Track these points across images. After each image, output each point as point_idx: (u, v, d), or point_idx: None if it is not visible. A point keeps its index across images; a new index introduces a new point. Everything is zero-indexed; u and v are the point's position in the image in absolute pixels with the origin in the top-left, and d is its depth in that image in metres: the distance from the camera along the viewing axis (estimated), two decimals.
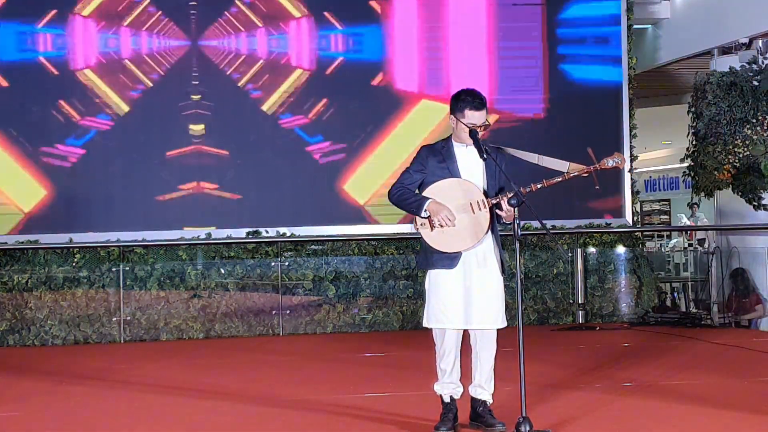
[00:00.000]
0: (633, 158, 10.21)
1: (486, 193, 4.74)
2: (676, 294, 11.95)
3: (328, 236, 9.52)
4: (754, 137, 9.32)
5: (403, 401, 5.61)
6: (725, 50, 10.80)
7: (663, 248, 13.85)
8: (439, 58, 9.96)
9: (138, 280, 9.23)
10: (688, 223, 15.50)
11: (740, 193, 9.76)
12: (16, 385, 6.67)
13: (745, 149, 9.36)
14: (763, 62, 9.64)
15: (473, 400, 4.88)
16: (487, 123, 4.76)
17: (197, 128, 9.55)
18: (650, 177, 20.15)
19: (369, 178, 9.61)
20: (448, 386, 4.85)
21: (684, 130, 10.28)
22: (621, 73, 10.15)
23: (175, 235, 9.35)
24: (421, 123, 9.68)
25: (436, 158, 4.83)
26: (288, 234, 9.47)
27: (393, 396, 5.86)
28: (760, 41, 10.23)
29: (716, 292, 10.54)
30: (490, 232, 4.77)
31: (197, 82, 9.58)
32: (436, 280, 4.80)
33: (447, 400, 4.86)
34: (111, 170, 9.46)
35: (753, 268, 10.39)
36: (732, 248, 10.64)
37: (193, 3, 9.62)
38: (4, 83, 9.34)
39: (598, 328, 9.34)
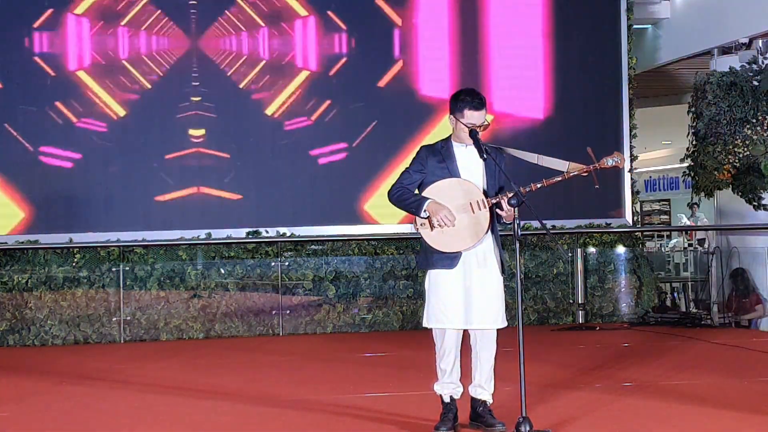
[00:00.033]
0: (633, 158, 10.21)
1: (486, 193, 4.74)
2: (676, 294, 11.95)
3: (328, 236, 9.52)
4: (754, 137, 9.32)
5: (403, 401, 5.61)
6: (725, 50, 10.80)
7: (663, 248, 13.85)
8: (473, 62, 9.93)
9: (138, 280, 9.23)
10: (688, 223, 15.49)
11: (740, 193, 9.76)
12: (16, 385, 6.67)
13: (745, 149, 9.36)
14: (763, 62, 9.64)
15: (473, 400, 4.88)
16: (486, 123, 4.76)
17: (197, 131, 9.53)
18: (650, 177, 20.15)
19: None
20: (448, 386, 4.85)
21: (684, 130, 10.28)
22: (621, 73, 10.16)
23: (175, 235, 9.35)
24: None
25: (435, 158, 4.83)
26: (288, 234, 9.47)
27: (393, 396, 5.86)
28: (760, 41, 10.23)
29: (716, 292, 10.54)
30: (490, 232, 4.78)
31: (197, 83, 9.57)
32: (436, 280, 4.80)
33: (447, 400, 4.86)
34: (110, 174, 9.44)
35: (753, 268, 10.40)
36: (732, 248, 10.64)
37: (193, 2, 9.60)
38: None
39: (598, 328, 9.34)
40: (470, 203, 4.70)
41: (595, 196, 9.39)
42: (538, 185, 4.72)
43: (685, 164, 10.25)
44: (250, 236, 9.42)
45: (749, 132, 9.34)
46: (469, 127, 4.73)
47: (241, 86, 9.61)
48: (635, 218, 10.30)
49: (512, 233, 4.59)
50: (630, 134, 10.10)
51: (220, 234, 9.40)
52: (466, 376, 4.88)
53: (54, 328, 9.01)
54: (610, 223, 10.01)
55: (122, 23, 9.48)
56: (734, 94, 9.50)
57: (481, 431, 4.81)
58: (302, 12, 9.73)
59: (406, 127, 9.67)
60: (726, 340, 8.13)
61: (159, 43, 9.52)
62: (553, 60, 10.09)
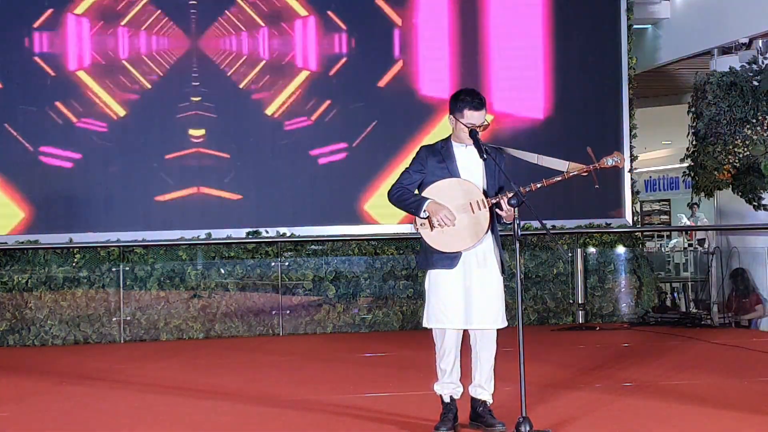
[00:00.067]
0: (633, 158, 10.21)
1: (486, 193, 4.74)
2: (676, 294, 11.95)
3: (328, 236, 9.52)
4: (754, 137, 9.32)
5: (403, 401, 5.61)
6: (725, 50, 10.81)
7: (663, 248, 13.85)
8: (473, 62, 9.91)
9: (138, 280, 9.23)
10: (688, 223, 15.50)
11: (740, 193, 9.76)
12: (16, 385, 6.67)
13: (745, 149, 9.36)
14: (763, 62, 9.64)
15: (473, 400, 4.88)
16: (486, 123, 4.76)
17: (197, 131, 9.52)
18: (650, 177, 20.15)
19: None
20: (448, 386, 4.85)
21: (684, 130, 10.28)
22: (621, 73, 10.16)
23: (175, 235, 9.35)
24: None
25: (435, 158, 4.83)
26: (288, 234, 9.47)
27: (393, 396, 5.86)
28: (760, 41, 10.23)
29: (716, 292, 10.55)
30: (489, 232, 4.78)
31: (197, 83, 9.57)
32: (436, 280, 4.80)
33: (447, 400, 4.86)
34: (110, 174, 9.43)
35: (753, 268, 10.40)
36: (732, 248, 10.64)
37: (192, 2, 9.60)
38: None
39: (598, 328, 9.34)
40: (470, 203, 4.70)
41: (595, 196, 9.39)
42: (538, 185, 4.72)
43: (685, 164, 10.25)
44: (250, 236, 9.41)
45: (749, 132, 9.34)
46: (468, 127, 4.73)
47: (241, 86, 9.61)
48: (635, 218, 10.30)
49: (512, 233, 4.59)
50: (630, 134, 10.10)
51: (220, 234, 9.40)
52: (466, 376, 4.88)
53: (54, 328, 9.01)
54: (610, 223, 10.01)
55: (122, 23, 9.48)
56: (734, 94, 9.50)
57: (481, 431, 4.81)
58: (302, 12, 9.73)
59: (406, 127, 9.67)
60: (726, 340, 8.12)
61: (159, 43, 9.52)
62: (553, 60, 10.08)
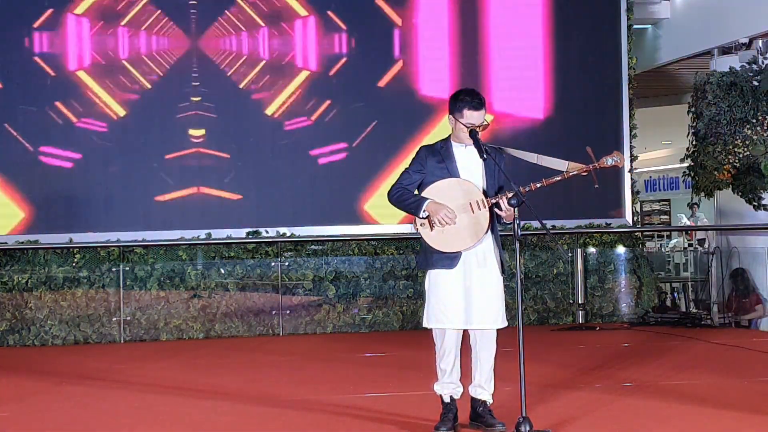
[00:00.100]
0: (633, 158, 10.21)
1: (485, 193, 4.74)
2: (676, 294, 11.95)
3: (328, 236, 9.51)
4: (754, 137, 9.32)
5: (403, 401, 5.61)
6: (725, 50, 10.81)
7: (663, 248, 13.86)
8: (473, 62, 9.90)
9: (138, 280, 9.23)
10: (688, 223, 15.50)
11: (740, 193, 9.77)
12: (16, 385, 6.67)
13: (745, 149, 9.36)
14: (763, 62, 9.64)
15: (473, 400, 4.88)
16: (485, 123, 4.76)
17: (197, 131, 9.52)
18: (650, 177, 20.16)
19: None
20: (448, 386, 4.85)
21: (684, 130, 10.28)
22: (621, 73, 10.16)
23: (175, 235, 9.35)
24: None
25: (435, 158, 4.83)
26: (288, 234, 9.47)
27: (393, 396, 5.86)
28: (760, 41, 10.23)
29: (716, 292, 10.55)
30: (489, 231, 4.78)
31: (197, 83, 9.56)
32: (436, 280, 4.80)
33: (447, 400, 4.86)
34: (110, 174, 9.42)
35: (753, 268, 10.40)
36: (732, 248, 10.64)
37: (192, 2, 9.59)
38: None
39: (598, 328, 9.34)
40: (470, 203, 4.70)
41: (595, 196, 9.39)
42: (538, 185, 4.72)
43: (685, 164, 10.25)
44: (250, 236, 9.41)
45: (749, 132, 9.34)
46: (468, 127, 4.73)
47: (241, 86, 9.61)
48: (635, 218, 10.29)
49: (512, 233, 4.59)
50: (630, 134, 10.10)
51: (220, 234, 9.39)
52: (466, 376, 4.88)
53: (54, 328, 9.01)
54: (610, 223, 10.01)
55: (122, 23, 9.48)
56: (734, 94, 9.50)
57: (481, 431, 4.81)
58: (302, 12, 9.73)
59: (406, 127, 9.67)
60: (726, 340, 8.12)
61: (159, 43, 9.52)
62: (553, 60, 10.08)
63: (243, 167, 9.58)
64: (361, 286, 9.51)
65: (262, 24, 9.67)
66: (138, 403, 5.87)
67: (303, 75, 9.69)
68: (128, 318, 9.16)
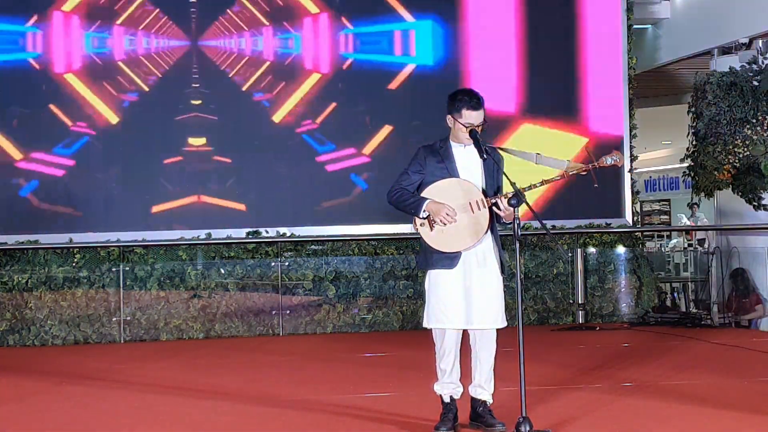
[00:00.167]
0: (633, 158, 10.21)
1: (485, 193, 4.74)
2: (676, 294, 11.96)
3: (328, 236, 9.51)
4: (754, 137, 9.32)
5: (403, 401, 5.61)
6: (725, 50, 10.81)
7: (663, 248, 13.86)
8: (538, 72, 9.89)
9: (138, 280, 9.23)
10: (688, 223, 15.50)
11: (740, 193, 9.77)
12: (16, 385, 6.67)
13: (745, 149, 9.36)
14: (763, 62, 9.65)
15: (473, 400, 4.88)
16: (484, 122, 4.76)
17: (198, 138, 9.47)
18: (650, 177, 20.16)
19: None
20: (448, 386, 4.85)
21: (684, 130, 10.28)
22: (621, 73, 10.15)
23: (175, 235, 9.34)
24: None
25: (434, 158, 4.83)
26: (288, 234, 9.46)
27: (393, 396, 5.86)
28: (760, 41, 10.23)
29: (716, 292, 10.55)
30: (489, 231, 4.78)
31: (197, 85, 9.53)
32: (435, 280, 4.80)
33: (447, 400, 4.86)
34: (109, 177, 9.40)
35: (753, 268, 10.40)
36: (732, 248, 10.64)
37: (192, 0, 9.55)
38: None
39: (598, 328, 9.34)
40: (469, 203, 4.70)
41: (595, 196, 9.39)
42: (537, 184, 4.72)
43: (685, 164, 10.25)
44: (250, 236, 9.41)
45: (749, 132, 9.34)
46: (467, 127, 4.73)
47: (244, 89, 9.54)
48: (635, 218, 10.29)
49: (512, 233, 4.59)
50: (630, 134, 10.10)
51: (220, 234, 9.39)
52: (466, 376, 4.88)
53: (54, 328, 9.01)
54: (610, 223, 10.01)
55: (118, 22, 9.40)
56: (734, 94, 9.51)
57: (481, 431, 4.81)
58: (311, 10, 9.63)
59: (417, 131, 9.57)
60: (726, 340, 8.12)
61: (158, 43, 9.46)
62: (552, 60, 10.07)
63: (244, 169, 9.52)
64: (361, 286, 9.51)
65: (266, 23, 9.59)
66: (138, 403, 5.87)
67: (308, 76, 9.55)
68: (128, 318, 9.16)
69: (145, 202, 9.38)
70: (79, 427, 5.31)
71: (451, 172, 4.78)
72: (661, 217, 20.14)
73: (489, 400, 4.85)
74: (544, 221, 4.64)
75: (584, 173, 4.78)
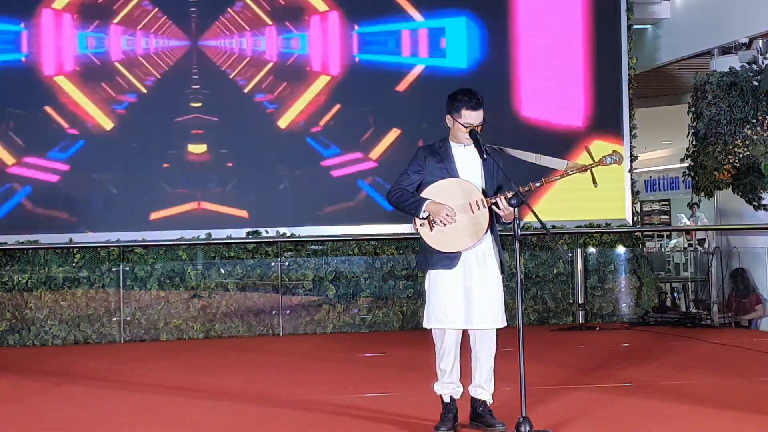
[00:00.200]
0: (633, 158, 10.21)
1: (485, 193, 4.74)
2: (676, 294, 11.95)
3: (328, 236, 9.51)
4: (754, 137, 9.32)
5: (403, 401, 5.61)
6: (725, 50, 10.81)
7: (663, 248, 13.86)
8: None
9: (138, 280, 9.23)
10: (688, 223, 15.50)
11: (740, 193, 9.77)
12: (16, 385, 6.67)
13: (745, 149, 9.36)
14: (763, 62, 9.64)
15: (473, 400, 4.88)
16: (484, 123, 4.76)
17: (198, 146, 9.44)
18: (650, 177, 20.16)
19: None
20: (448, 386, 4.85)
21: (684, 130, 10.28)
22: (621, 73, 10.15)
23: (175, 235, 9.34)
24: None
25: (434, 158, 4.83)
26: (288, 234, 9.46)
27: (393, 396, 5.86)
28: (760, 41, 10.23)
29: (716, 292, 10.55)
30: (489, 231, 4.78)
31: (198, 86, 9.51)
32: (435, 280, 4.80)
33: (447, 400, 4.86)
34: (109, 179, 9.38)
35: (753, 268, 10.40)
36: (732, 248, 10.64)
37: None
38: None
39: (598, 328, 9.34)
40: (469, 203, 4.69)
41: (595, 196, 9.35)
42: (537, 184, 4.72)
43: (685, 164, 10.25)
44: (250, 236, 9.41)
45: (749, 132, 9.34)
46: (466, 127, 4.72)
47: (246, 91, 9.50)
48: (635, 218, 10.29)
49: (512, 233, 4.59)
50: (630, 134, 10.10)
51: (220, 234, 9.38)
52: (466, 376, 4.88)
53: (54, 328, 9.01)
54: (610, 223, 10.01)
55: (114, 21, 9.34)
56: (734, 94, 9.51)
57: (481, 431, 4.82)
58: (319, 7, 9.58)
59: (424, 134, 9.55)
60: (726, 340, 8.12)
61: (157, 43, 9.43)
62: (552, 60, 10.07)
63: (245, 170, 9.50)
64: (361, 286, 9.51)
65: (269, 22, 9.52)
66: (138, 403, 5.87)
67: (311, 77, 9.51)
68: (128, 318, 9.16)
69: (143, 206, 9.35)
70: (79, 427, 5.31)
71: (450, 172, 4.78)
72: (661, 217, 20.14)
73: (489, 400, 4.85)
74: (543, 221, 4.63)
75: (584, 173, 4.78)
